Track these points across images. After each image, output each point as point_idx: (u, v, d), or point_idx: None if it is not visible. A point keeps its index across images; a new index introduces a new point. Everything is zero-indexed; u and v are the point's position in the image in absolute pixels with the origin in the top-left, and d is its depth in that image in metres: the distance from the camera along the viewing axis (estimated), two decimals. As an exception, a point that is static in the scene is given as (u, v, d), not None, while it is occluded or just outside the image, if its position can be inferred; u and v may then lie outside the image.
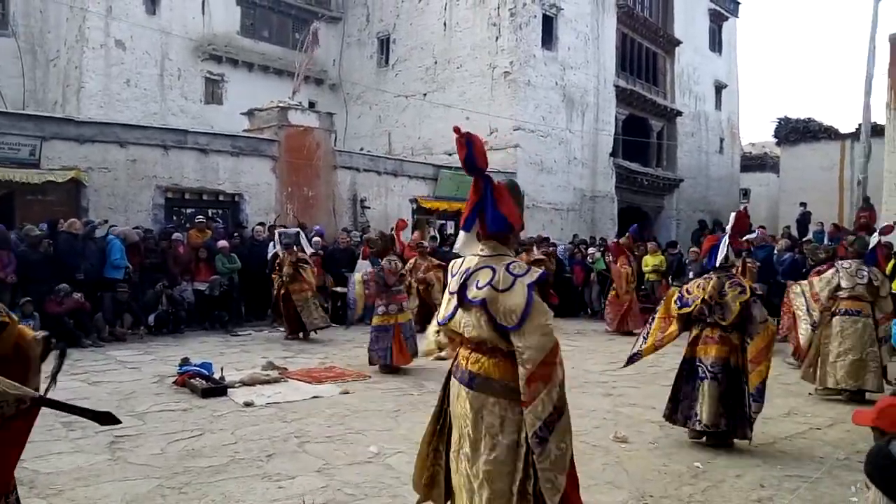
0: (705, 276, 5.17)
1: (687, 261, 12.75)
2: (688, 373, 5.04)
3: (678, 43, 24.33)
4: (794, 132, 23.90)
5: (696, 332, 5.04)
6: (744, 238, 7.14)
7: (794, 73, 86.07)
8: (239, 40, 20.48)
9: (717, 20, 26.94)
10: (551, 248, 14.01)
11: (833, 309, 6.79)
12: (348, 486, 4.06)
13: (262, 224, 12.35)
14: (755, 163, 30.13)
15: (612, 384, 7.27)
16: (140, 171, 12.08)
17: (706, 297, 4.89)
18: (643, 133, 23.24)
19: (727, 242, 5.05)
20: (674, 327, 4.95)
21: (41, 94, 19.02)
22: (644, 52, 23.53)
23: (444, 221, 17.01)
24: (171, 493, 3.91)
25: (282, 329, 10.28)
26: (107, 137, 11.82)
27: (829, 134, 23.31)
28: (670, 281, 12.66)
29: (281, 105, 14.22)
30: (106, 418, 2.57)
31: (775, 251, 11.96)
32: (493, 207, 2.59)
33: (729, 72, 27.86)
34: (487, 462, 2.52)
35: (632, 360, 5.02)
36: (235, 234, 11.94)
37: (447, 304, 2.73)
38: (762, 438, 5.21)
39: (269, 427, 5.33)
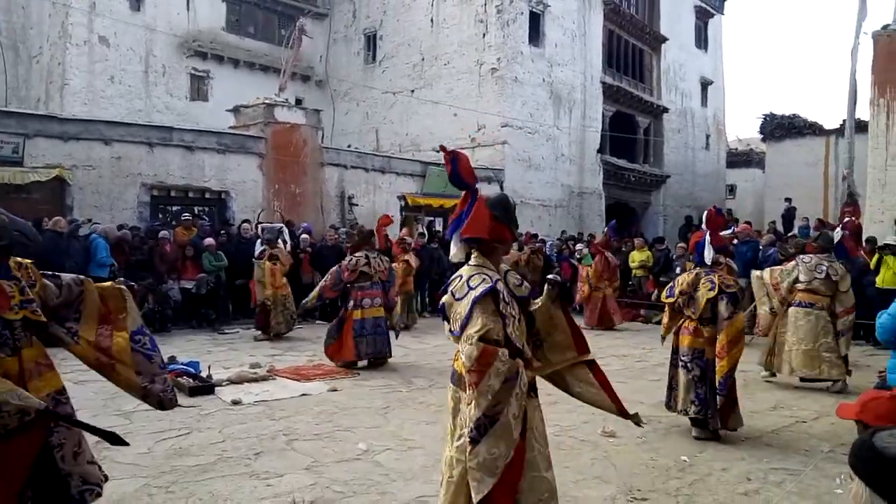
0: (694, 270, 5.40)
1: (674, 256, 12.82)
2: (674, 361, 5.35)
3: (664, 40, 24.43)
4: (780, 128, 24.09)
5: (678, 322, 5.36)
6: (722, 233, 7.31)
7: (779, 69, 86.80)
8: (224, 36, 20.33)
9: (702, 17, 27.09)
10: (538, 245, 14.05)
11: (790, 300, 7.09)
12: (337, 484, 4.06)
13: (248, 221, 12.27)
14: (741, 159, 30.34)
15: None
16: (125, 168, 11.96)
17: (679, 290, 5.23)
18: (630, 129, 23.33)
19: (708, 241, 5.28)
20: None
21: (24, 91, 18.80)
22: (630, 49, 23.61)
23: (432, 218, 16.99)
24: (158, 493, 3.89)
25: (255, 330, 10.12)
26: (91, 135, 11.70)
27: (814, 130, 23.52)
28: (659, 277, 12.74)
29: (267, 102, 14.14)
30: (114, 438, 2.56)
31: (760, 246, 12.05)
32: (466, 219, 2.79)
33: (715, 68, 28.02)
34: (454, 448, 2.71)
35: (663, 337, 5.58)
36: (222, 232, 11.86)
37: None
38: (748, 432, 5.26)
39: (257, 425, 5.30)
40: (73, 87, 17.17)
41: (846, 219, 11.21)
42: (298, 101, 18.71)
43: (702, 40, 27.20)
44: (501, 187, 17.27)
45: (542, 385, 3.07)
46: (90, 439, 2.86)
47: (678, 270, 10.28)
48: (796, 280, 7.07)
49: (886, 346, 4.36)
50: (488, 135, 18.52)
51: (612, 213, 21.35)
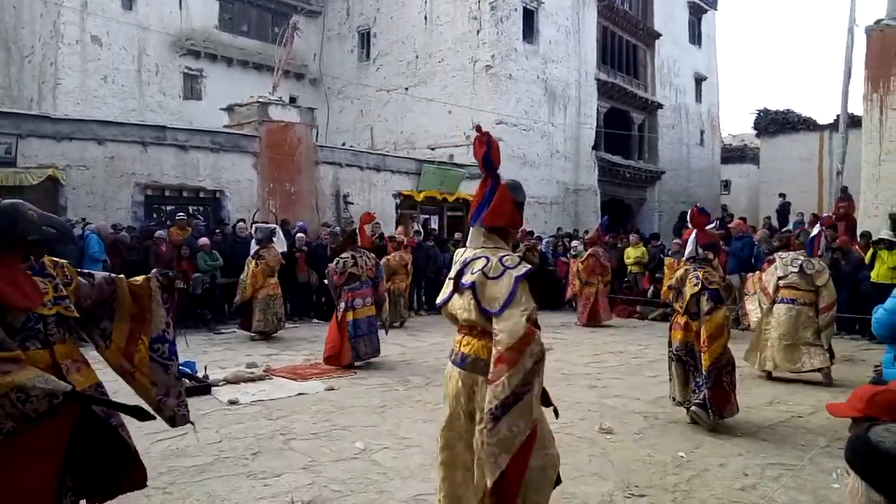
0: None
1: (669, 252, 12.84)
2: (669, 354, 5.52)
3: (658, 36, 24.46)
4: (774, 123, 24.16)
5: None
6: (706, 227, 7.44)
7: (773, 65, 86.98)
8: (217, 35, 20.25)
9: (696, 13, 27.12)
10: (534, 242, 14.05)
11: (775, 298, 7.20)
12: (334, 483, 4.05)
13: (243, 221, 12.24)
14: (735, 154, 30.42)
15: (597, 376, 7.32)
16: (119, 168, 11.91)
17: (668, 285, 5.47)
18: (625, 126, 23.35)
19: (694, 237, 5.47)
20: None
21: (16, 91, 18.69)
22: (625, 45, 23.62)
23: (427, 216, 16.99)
24: (155, 493, 3.87)
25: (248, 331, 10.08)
26: (84, 135, 11.63)
27: (808, 125, 23.59)
28: (654, 274, 12.76)
29: (261, 100, 14.09)
30: (141, 414, 2.60)
31: (755, 241, 12.08)
32: (491, 204, 2.79)
33: (709, 64, 28.07)
34: (480, 432, 2.64)
35: None
36: (217, 232, 11.82)
37: (445, 288, 2.95)
38: (745, 427, 5.28)
39: (254, 425, 5.30)
40: (65, 86, 17.08)
41: (825, 215, 11.29)
42: (292, 100, 18.65)
43: (695, 36, 27.23)
44: (497, 184, 17.26)
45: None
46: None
47: (674, 266, 10.32)
48: (779, 278, 7.19)
49: (882, 340, 4.37)
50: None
51: (608, 209, 21.38)
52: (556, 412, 2.99)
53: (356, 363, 7.62)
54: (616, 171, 22.47)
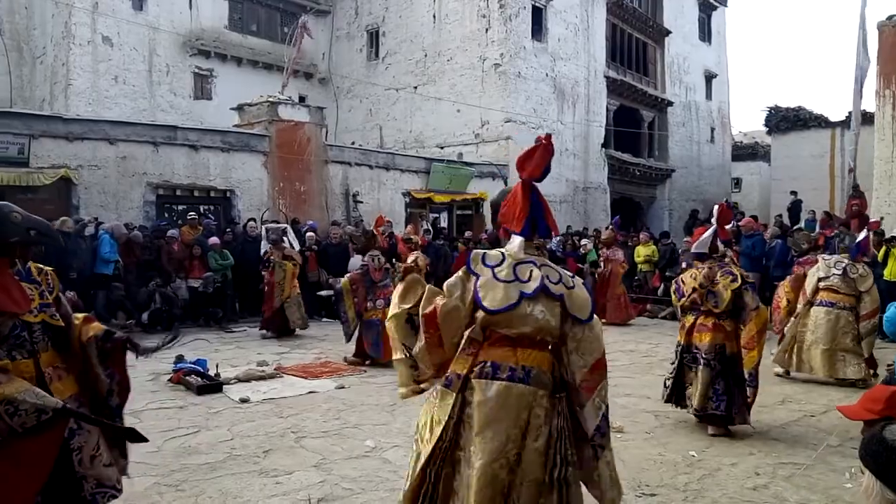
0: (699, 265, 5.27)
1: (681, 250, 12.80)
2: (688, 360, 5.18)
3: (668, 33, 24.34)
4: (785, 121, 24.00)
5: (690, 320, 5.19)
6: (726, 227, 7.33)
7: (783, 61, 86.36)
8: (227, 35, 20.34)
9: (706, 9, 26.97)
10: (542, 240, 14.00)
11: (813, 300, 7.00)
12: (346, 481, 4.07)
13: (253, 220, 12.29)
14: (746, 152, 30.24)
15: (608, 374, 7.30)
16: (130, 168, 12.00)
17: (696, 285, 5.08)
18: (634, 124, 23.27)
19: (713, 232, 5.22)
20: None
21: (28, 92, 18.84)
22: (634, 43, 23.53)
23: (436, 214, 17.00)
24: (168, 491, 3.91)
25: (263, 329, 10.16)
26: (96, 135, 11.73)
27: (820, 122, 23.42)
28: (665, 272, 12.71)
29: (271, 100, 14.15)
30: (131, 435, 2.59)
31: (766, 239, 12.02)
32: (544, 216, 2.75)
33: (719, 61, 27.92)
34: (531, 451, 2.49)
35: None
36: (227, 231, 11.89)
37: (503, 293, 2.54)
38: (756, 426, 5.25)
39: (266, 423, 5.32)
40: (77, 87, 17.20)
41: (873, 219, 11.13)
42: (302, 99, 18.70)
43: (705, 33, 27.08)
44: (505, 182, 17.24)
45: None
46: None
47: (684, 265, 10.29)
48: (819, 279, 6.98)
49: (894, 339, 4.34)
50: (492, 130, 18.50)
51: (617, 207, 21.33)
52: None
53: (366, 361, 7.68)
54: (626, 169, 22.40)
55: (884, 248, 10.15)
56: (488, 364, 2.55)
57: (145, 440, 2.78)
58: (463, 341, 2.65)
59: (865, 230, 7.69)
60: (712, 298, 5.03)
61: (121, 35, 17.95)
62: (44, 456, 2.43)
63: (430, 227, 14.76)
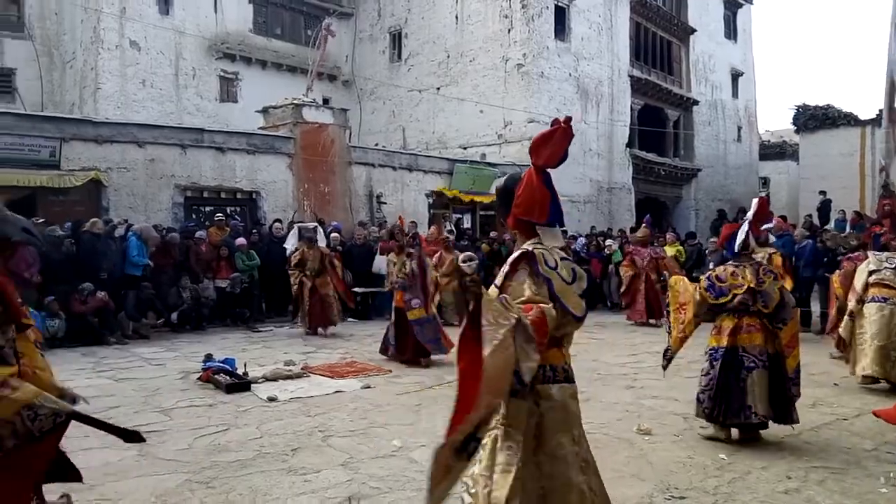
0: (732, 263, 5.03)
1: (707, 251, 12.64)
2: (733, 365, 4.81)
3: (693, 31, 24.09)
4: (813, 119, 23.60)
5: (731, 321, 4.87)
6: (763, 227, 7.10)
7: (812, 59, 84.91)
8: (252, 38, 20.57)
9: (731, 7, 26.64)
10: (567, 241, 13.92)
11: (864, 296, 6.75)
12: (373, 480, 4.09)
13: (279, 221, 12.42)
14: (774, 151, 29.81)
15: (634, 376, 7.25)
16: (158, 170, 12.19)
17: (752, 284, 4.78)
18: (659, 123, 23.07)
19: (747, 229, 5.00)
20: (689, 314, 4.91)
21: (58, 97, 19.23)
22: (658, 41, 23.33)
23: (460, 215, 17.00)
24: (199, 488, 3.96)
25: (299, 324, 10.31)
26: (125, 138, 11.94)
27: (849, 120, 22.98)
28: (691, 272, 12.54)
29: (295, 102, 14.28)
30: (133, 437, 2.64)
31: (795, 239, 11.81)
32: (557, 201, 2.59)
33: (745, 59, 27.55)
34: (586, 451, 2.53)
35: (666, 357, 5.10)
36: (253, 232, 12.03)
37: (576, 296, 2.48)
38: (788, 430, 5.16)
39: (293, 422, 5.37)
40: (105, 91, 17.52)
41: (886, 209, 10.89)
42: (325, 101, 18.86)
43: (731, 30, 26.75)
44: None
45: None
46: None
47: (711, 265, 10.15)
48: (870, 274, 6.76)
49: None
50: (515, 131, 18.46)
51: (643, 207, 21.15)
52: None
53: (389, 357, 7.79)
54: (651, 169, 22.21)
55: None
56: (548, 367, 2.46)
57: (143, 440, 2.78)
58: None
59: None
60: (761, 298, 4.79)
61: (148, 39, 18.25)
62: (46, 457, 2.46)
63: (454, 228, 14.78)
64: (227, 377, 6.49)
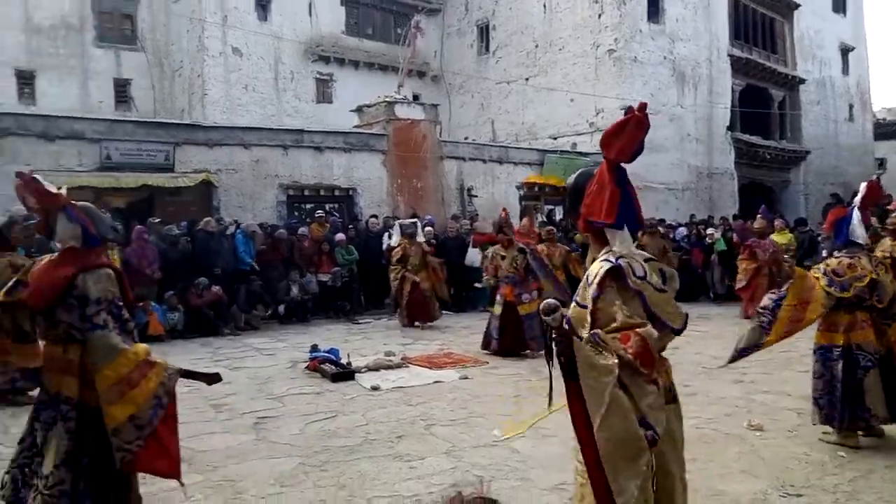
0: (845, 254, 4.55)
1: (820, 238, 11.87)
2: (849, 364, 4.46)
3: (797, 6, 22.70)
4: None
5: (846, 317, 4.52)
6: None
7: (935, 26, 77.45)
8: (345, 40, 21.19)
9: (841, -22, 24.85)
10: (653, 230, 13.27)
11: None
12: (476, 469, 4.16)
13: (375, 216, 12.77)
14: (891, 129, 27.61)
15: (742, 370, 6.93)
16: (263, 170, 12.83)
17: (874, 276, 4.41)
18: (763, 104, 21.88)
19: (860, 216, 4.56)
20: (812, 314, 4.42)
21: (169, 103, 20.55)
22: (760, 18, 22.13)
23: (552, 206, 16.83)
24: (312, 471, 4.17)
25: (398, 318, 10.55)
26: (232, 140, 12.64)
27: (981, 92, 20.90)
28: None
29: (387, 100, 14.61)
30: (213, 378, 3.07)
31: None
32: (633, 206, 2.31)
33: (856, 33, 25.63)
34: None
35: (742, 352, 4.53)
36: (350, 227, 12.43)
37: (672, 305, 2.30)
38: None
39: (396, 410, 5.54)
40: (212, 96, 18.57)
41: None
42: (416, 97, 19.16)
43: (840, 3, 24.95)
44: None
45: (679, 377, 2.67)
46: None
47: (824, 253, 9.53)
48: None
49: None
50: (607, 118, 18.00)
51: (746, 193, 20.20)
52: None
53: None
54: (754, 153, 21.14)
55: None
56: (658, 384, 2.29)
57: (220, 379, 3.12)
58: None
59: None
60: (877, 292, 4.43)
61: (249, 46, 19.17)
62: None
63: (546, 220, 14.64)
64: (333, 367, 6.77)
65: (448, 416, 5.37)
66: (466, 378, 6.71)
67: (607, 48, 18.25)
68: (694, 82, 19.44)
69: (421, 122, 14.79)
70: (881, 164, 27.04)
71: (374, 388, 6.21)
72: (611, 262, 2.21)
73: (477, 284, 11.51)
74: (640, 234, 10.67)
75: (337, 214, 13.29)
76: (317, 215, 12.15)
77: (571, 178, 2.52)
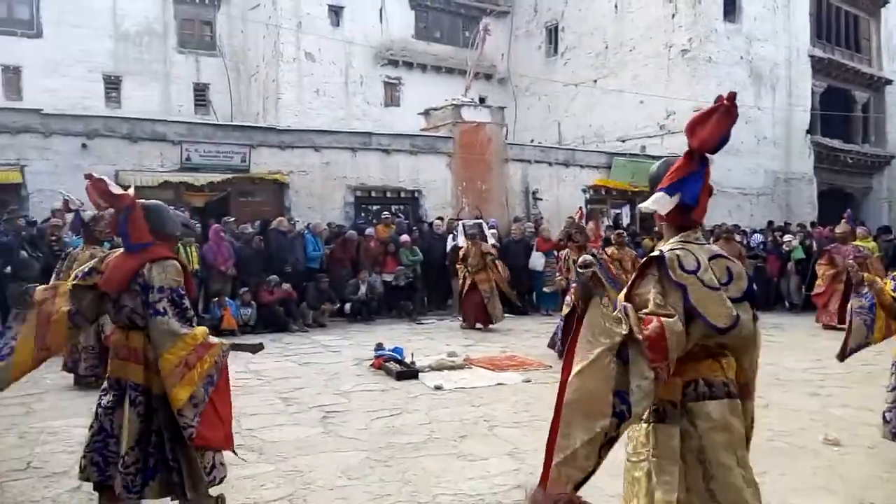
0: None
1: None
2: None
3: (885, 3, 21.51)
4: None
5: None
6: None
7: None
8: (413, 44, 21.46)
9: (936, -29, 23.37)
10: (726, 234, 12.84)
11: None
12: (539, 471, 4.15)
13: (440, 218, 12.89)
14: None
15: (819, 383, 6.67)
16: (332, 172, 13.15)
17: None
18: (845, 106, 20.84)
19: None
20: None
21: (245, 107, 21.32)
22: (843, 16, 21.09)
23: (618, 210, 16.54)
24: (377, 465, 4.26)
25: (459, 318, 10.62)
26: (304, 143, 13.01)
27: None
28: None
29: (454, 103, 14.70)
30: (257, 348, 3.51)
31: None
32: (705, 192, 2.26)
33: (953, 30, 24.04)
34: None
35: (853, 351, 4.44)
36: (415, 228, 12.59)
37: (721, 304, 2.16)
38: None
39: (459, 410, 5.59)
40: (285, 100, 19.16)
41: None
42: (482, 100, 19.18)
43: (935, -1, 23.46)
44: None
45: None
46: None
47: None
48: None
49: None
50: (679, 121, 17.53)
51: (826, 199, 19.28)
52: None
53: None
54: (835, 157, 20.16)
55: None
56: (701, 382, 2.20)
57: (262, 348, 3.61)
58: None
59: None
60: None
61: (321, 51, 19.68)
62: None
63: (613, 224, 14.42)
64: (397, 365, 6.89)
65: (511, 417, 5.38)
66: (529, 381, 6.69)
67: (680, 48, 17.81)
68: (772, 83, 18.72)
69: (487, 125, 14.81)
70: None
71: (438, 388, 6.28)
72: (659, 251, 2.20)
73: (545, 289, 11.46)
74: (711, 239, 10.39)
75: (402, 216, 13.48)
76: (383, 216, 12.37)
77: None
